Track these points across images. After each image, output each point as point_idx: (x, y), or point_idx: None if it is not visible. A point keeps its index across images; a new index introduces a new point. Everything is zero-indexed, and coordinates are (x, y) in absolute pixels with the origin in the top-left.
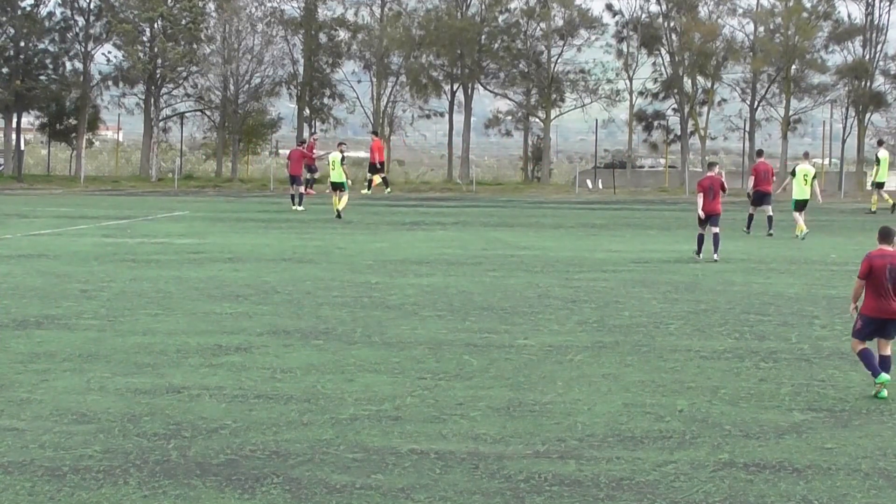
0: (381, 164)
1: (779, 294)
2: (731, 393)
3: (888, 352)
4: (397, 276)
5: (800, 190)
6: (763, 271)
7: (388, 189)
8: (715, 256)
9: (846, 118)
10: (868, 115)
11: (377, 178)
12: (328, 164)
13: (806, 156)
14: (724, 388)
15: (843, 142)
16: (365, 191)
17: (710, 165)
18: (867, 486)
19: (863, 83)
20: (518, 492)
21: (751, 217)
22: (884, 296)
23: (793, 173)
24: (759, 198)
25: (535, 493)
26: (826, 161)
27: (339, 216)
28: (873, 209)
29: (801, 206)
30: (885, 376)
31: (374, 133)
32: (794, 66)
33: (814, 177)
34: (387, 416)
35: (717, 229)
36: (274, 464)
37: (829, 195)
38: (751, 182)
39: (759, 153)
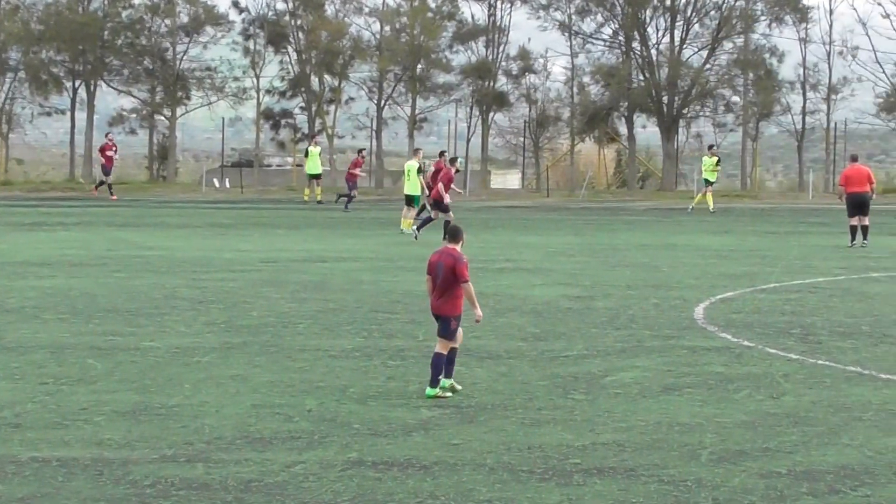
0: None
1: (407, 292)
2: (359, 391)
3: (443, 350)
4: (17, 279)
5: (410, 186)
6: (391, 269)
7: None
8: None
9: (471, 117)
10: (491, 115)
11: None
12: None
13: (416, 152)
14: (353, 386)
15: (468, 140)
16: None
17: (452, 161)
18: (492, 481)
19: (486, 83)
20: (144, 497)
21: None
22: (436, 293)
23: (419, 171)
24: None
25: (161, 497)
26: None
27: None
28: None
29: (410, 200)
30: (430, 390)
31: None
32: (419, 66)
33: (417, 171)
34: (6, 423)
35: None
36: None
37: (454, 193)
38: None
39: (453, 161)
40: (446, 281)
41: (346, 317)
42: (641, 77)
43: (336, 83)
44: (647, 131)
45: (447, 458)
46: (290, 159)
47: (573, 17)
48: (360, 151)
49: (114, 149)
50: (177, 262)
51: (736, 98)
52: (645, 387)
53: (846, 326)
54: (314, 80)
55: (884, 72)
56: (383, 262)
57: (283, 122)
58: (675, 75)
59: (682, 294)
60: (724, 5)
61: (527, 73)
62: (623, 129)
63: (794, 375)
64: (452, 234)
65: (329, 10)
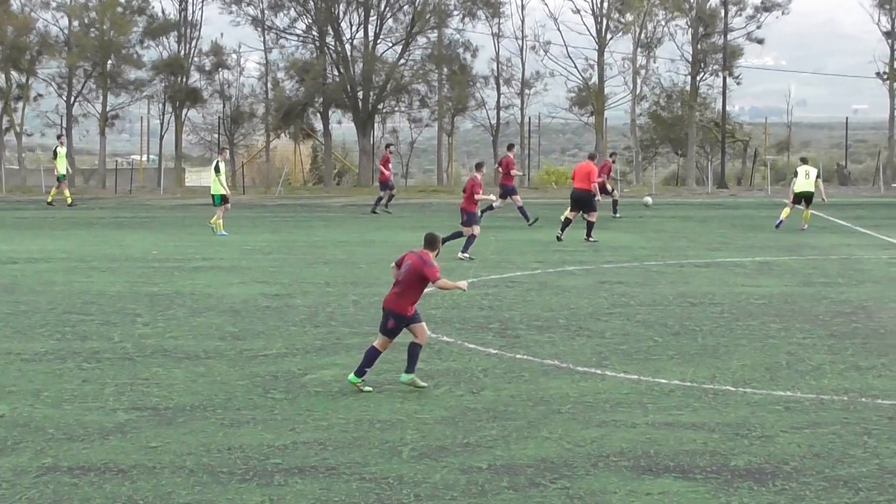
0: None
1: (101, 292)
2: (53, 396)
3: (381, 347)
4: None
5: (216, 187)
6: (84, 270)
7: None
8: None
9: (164, 114)
10: (185, 111)
11: None
12: None
13: (222, 152)
14: (47, 390)
15: (162, 137)
16: None
17: (478, 166)
18: (192, 483)
19: (178, 79)
20: None
21: None
22: (395, 287)
23: (216, 169)
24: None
25: None
26: (145, 157)
27: None
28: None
29: (224, 199)
30: (352, 377)
31: None
32: (110, 61)
33: (215, 170)
34: None
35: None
36: None
37: (148, 191)
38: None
39: (479, 166)
40: (408, 280)
41: (38, 319)
42: (336, 72)
43: (24, 79)
44: (343, 127)
45: (145, 461)
46: None
47: (266, 11)
48: (387, 147)
49: None
50: None
51: (431, 93)
52: (345, 384)
53: (543, 320)
54: (1, 77)
55: (575, 66)
56: (76, 262)
57: None
58: (370, 70)
59: (380, 290)
60: (418, 1)
61: (220, 69)
62: (319, 125)
63: (493, 370)
64: (429, 241)
65: (14, 4)
